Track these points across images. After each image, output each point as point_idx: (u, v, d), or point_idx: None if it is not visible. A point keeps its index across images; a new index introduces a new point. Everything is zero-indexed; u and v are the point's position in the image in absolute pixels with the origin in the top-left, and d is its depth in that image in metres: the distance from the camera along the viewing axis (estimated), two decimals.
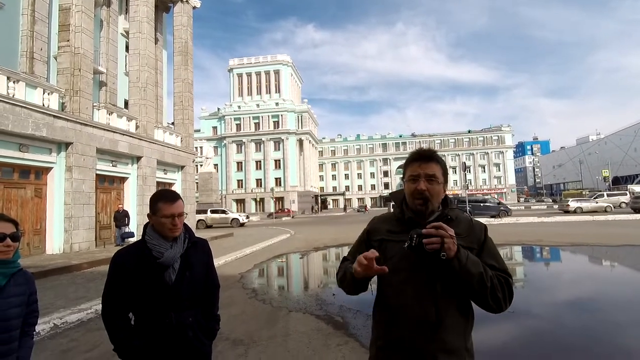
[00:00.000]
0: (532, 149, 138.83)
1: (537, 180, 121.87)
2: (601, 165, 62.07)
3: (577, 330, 4.31)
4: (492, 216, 25.35)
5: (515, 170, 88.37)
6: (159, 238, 1.62)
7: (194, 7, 20.93)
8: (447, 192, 1.43)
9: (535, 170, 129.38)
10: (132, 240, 13.34)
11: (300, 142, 66.24)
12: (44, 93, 11.14)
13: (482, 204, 26.20)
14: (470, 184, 77.02)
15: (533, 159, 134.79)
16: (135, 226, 15.13)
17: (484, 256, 1.30)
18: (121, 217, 12.85)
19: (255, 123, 65.54)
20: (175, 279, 1.62)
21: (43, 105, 10.95)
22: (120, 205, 13.41)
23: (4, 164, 10.17)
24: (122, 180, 15.05)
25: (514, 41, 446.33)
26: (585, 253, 10.22)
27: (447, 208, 1.36)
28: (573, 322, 4.62)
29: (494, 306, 1.23)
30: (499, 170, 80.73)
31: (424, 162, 1.33)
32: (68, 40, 12.40)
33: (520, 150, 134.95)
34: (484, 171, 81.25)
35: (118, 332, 1.60)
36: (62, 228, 11.54)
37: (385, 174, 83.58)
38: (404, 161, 1.45)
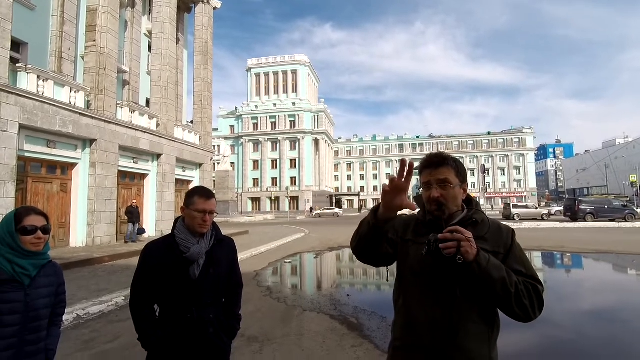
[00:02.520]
0: (554, 152, 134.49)
1: (560, 185, 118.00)
2: (628, 170, 59.48)
3: (600, 341, 4.15)
4: (612, 220, 22.69)
5: (536, 173, 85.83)
6: (187, 233, 1.68)
7: (215, 8, 21.25)
8: (469, 193, 1.39)
9: (558, 174, 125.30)
10: (145, 236, 13.59)
11: (316, 141, 66.31)
12: (71, 91, 11.55)
13: (606, 206, 23.76)
14: (489, 187, 75.32)
15: (555, 163, 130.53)
16: (154, 222, 15.50)
17: (510, 261, 1.25)
18: (136, 213, 12.98)
19: (272, 122, 66.02)
20: (199, 275, 1.66)
21: (70, 103, 11.36)
22: (134, 201, 13.54)
23: (33, 159, 10.60)
24: (143, 176, 15.43)
25: (537, 40, 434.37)
26: (610, 261, 9.84)
27: (472, 210, 1.32)
28: (596, 332, 4.46)
29: (520, 314, 1.18)
30: (519, 174, 78.54)
31: (434, 168, 1.31)
32: (94, 41, 12.82)
33: (542, 153, 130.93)
34: (504, 174, 79.22)
35: (143, 321, 1.66)
36: (86, 222, 11.93)
37: None
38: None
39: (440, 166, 1.31)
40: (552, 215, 27.26)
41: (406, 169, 1.15)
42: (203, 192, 1.71)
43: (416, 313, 1.28)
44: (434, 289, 1.25)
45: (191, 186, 17.68)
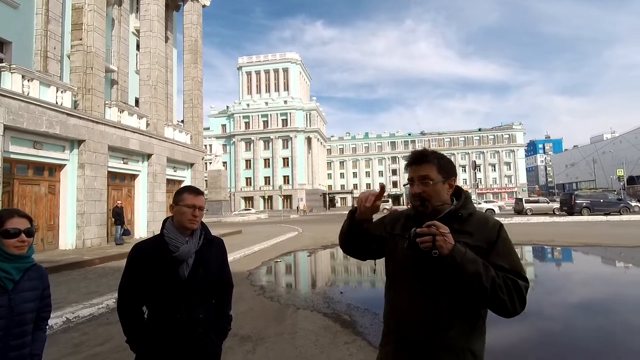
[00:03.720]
0: (544, 147, 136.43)
1: (549, 180, 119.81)
2: (616, 165, 60.60)
3: (590, 333, 4.23)
4: (607, 214, 23.00)
5: (526, 169, 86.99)
6: (176, 233, 1.68)
7: (204, 6, 21.02)
8: (461, 187, 1.43)
9: (547, 169, 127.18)
10: (137, 237, 13.37)
11: (309, 140, 66.21)
12: (57, 91, 11.33)
13: (601, 200, 24.20)
14: (480, 182, 76.11)
15: (545, 158, 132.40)
16: (146, 223, 15.33)
17: (492, 256, 1.25)
18: (122, 213, 12.63)
19: (263, 121, 65.72)
20: (189, 275, 1.64)
21: (56, 103, 11.14)
22: (119, 202, 13.17)
23: (19, 161, 10.38)
24: (133, 177, 15.25)
25: (527, 37, 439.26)
26: (599, 254, 10.03)
27: (459, 204, 1.34)
28: (586, 324, 4.54)
29: (499, 308, 1.19)
30: (510, 169, 79.57)
31: (416, 165, 1.36)
32: (81, 39, 12.58)
33: (531, 148, 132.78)
34: (495, 170, 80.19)
35: (131, 324, 1.64)
36: (75, 224, 11.74)
37: (394, 172, 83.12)
38: None
39: (422, 163, 1.35)
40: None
41: (380, 192, 1.36)
42: (192, 189, 1.75)
43: (402, 304, 1.34)
44: (418, 281, 1.30)
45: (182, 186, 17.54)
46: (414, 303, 1.29)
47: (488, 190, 77.03)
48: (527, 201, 28.98)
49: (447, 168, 1.36)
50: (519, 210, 27.83)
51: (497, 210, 26.57)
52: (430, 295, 1.27)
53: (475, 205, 1.42)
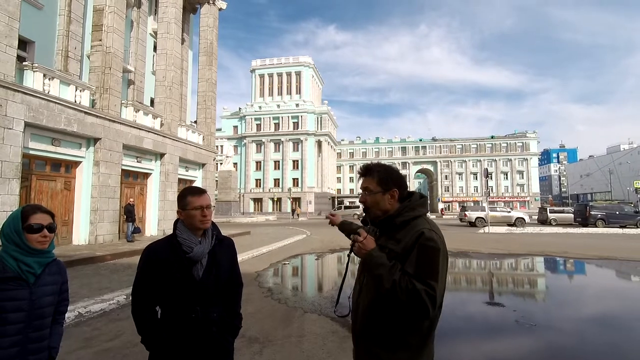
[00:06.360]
0: (558, 156, 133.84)
1: (563, 190, 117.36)
2: (633, 176, 59.15)
3: (602, 348, 4.13)
4: (622, 226, 22.24)
5: (539, 178, 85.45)
6: (189, 233, 1.69)
7: (220, 9, 21.34)
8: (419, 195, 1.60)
9: (561, 179, 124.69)
10: (148, 235, 13.52)
11: (319, 143, 66.31)
12: (76, 90, 11.63)
13: (617, 212, 23.52)
14: (492, 190, 75.01)
15: (559, 167, 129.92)
16: (157, 221, 15.55)
17: (405, 262, 1.39)
18: (133, 211, 12.83)
19: (275, 123, 66.10)
20: (203, 275, 1.67)
21: (75, 101, 11.42)
22: (132, 199, 13.39)
23: (38, 157, 10.67)
24: (146, 175, 15.50)
25: (543, 44, 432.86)
26: (613, 267, 9.77)
27: (397, 214, 1.48)
28: (598, 339, 4.43)
29: (407, 307, 1.34)
30: (522, 178, 78.22)
31: (361, 177, 1.58)
32: (100, 40, 12.91)
33: (545, 157, 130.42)
34: (507, 178, 78.92)
35: (146, 323, 1.66)
36: (88, 220, 11.98)
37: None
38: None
39: (364, 176, 1.57)
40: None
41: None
42: (194, 190, 1.75)
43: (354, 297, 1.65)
44: (361, 276, 1.60)
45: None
46: (356, 297, 1.60)
47: (500, 199, 75.87)
48: (552, 211, 27.79)
49: (387, 181, 1.52)
50: (543, 220, 26.88)
51: (527, 219, 25.18)
52: (360, 289, 1.56)
53: (428, 214, 1.65)
